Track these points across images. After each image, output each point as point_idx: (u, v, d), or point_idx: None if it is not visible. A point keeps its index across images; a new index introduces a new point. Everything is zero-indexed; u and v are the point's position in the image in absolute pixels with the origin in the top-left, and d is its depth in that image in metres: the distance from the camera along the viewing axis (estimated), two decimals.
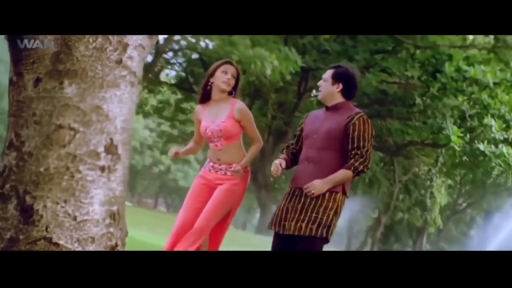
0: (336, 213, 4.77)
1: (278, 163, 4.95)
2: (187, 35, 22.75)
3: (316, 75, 26.37)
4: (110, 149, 3.83)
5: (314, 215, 4.70)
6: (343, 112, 4.87)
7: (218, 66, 5.32)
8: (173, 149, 5.63)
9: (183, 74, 27.32)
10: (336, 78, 4.90)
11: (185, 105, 29.35)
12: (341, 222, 5.00)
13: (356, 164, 4.74)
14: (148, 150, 44.26)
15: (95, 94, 3.79)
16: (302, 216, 4.71)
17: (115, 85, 3.87)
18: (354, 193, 30.02)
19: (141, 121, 46.62)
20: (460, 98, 23.85)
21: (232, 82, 5.31)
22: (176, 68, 27.70)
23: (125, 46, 3.93)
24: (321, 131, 4.87)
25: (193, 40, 22.61)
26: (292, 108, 27.29)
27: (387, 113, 25.52)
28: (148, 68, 26.28)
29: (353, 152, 4.77)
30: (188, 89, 27.23)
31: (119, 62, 3.88)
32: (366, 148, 4.78)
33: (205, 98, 5.41)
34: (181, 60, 26.92)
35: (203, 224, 5.12)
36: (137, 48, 3.99)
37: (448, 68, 22.92)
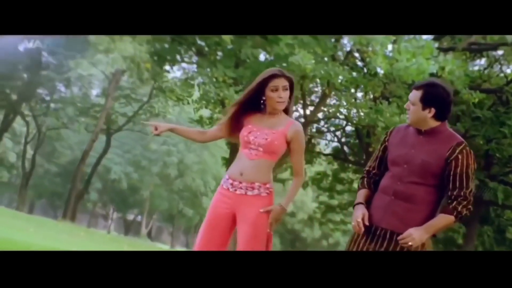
0: None
1: (361, 221, 4.25)
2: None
3: (472, 142, 26.41)
4: None
5: None
6: (441, 139, 4.24)
7: (266, 83, 4.75)
8: (152, 122, 4.91)
9: (338, 145, 28.09)
10: (426, 103, 4.21)
11: (342, 175, 30.40)
12: None
13: (460, 209, 4.14)
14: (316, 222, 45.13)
15: None
16: None
17: None
18: None
19: (310, 193, 46.97)
20: None
21: (286, 97, 4.76)
22: (330, 138, 28.60)
23: None
24: (415, 162, 4.22)
25: (344, 111, 23.49)
26: None
27: None
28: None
29: (454, 193, 4.15)
30: (344, 159, 27.99)
31: None
32: (470, 189, 4.15)
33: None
34: (334, 130, 27.71)
35: None
36: None
37: None
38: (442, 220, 4.12)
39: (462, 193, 4.12)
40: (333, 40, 19.54)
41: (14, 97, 33.75)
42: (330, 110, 25.10)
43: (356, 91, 23.54)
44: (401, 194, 4.19)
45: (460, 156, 4.13)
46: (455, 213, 4.12)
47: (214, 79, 19.12)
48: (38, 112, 38.69)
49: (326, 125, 27.50)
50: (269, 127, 4.74)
